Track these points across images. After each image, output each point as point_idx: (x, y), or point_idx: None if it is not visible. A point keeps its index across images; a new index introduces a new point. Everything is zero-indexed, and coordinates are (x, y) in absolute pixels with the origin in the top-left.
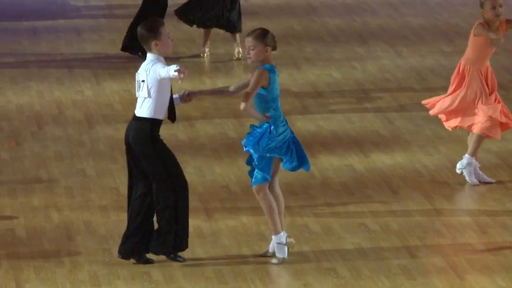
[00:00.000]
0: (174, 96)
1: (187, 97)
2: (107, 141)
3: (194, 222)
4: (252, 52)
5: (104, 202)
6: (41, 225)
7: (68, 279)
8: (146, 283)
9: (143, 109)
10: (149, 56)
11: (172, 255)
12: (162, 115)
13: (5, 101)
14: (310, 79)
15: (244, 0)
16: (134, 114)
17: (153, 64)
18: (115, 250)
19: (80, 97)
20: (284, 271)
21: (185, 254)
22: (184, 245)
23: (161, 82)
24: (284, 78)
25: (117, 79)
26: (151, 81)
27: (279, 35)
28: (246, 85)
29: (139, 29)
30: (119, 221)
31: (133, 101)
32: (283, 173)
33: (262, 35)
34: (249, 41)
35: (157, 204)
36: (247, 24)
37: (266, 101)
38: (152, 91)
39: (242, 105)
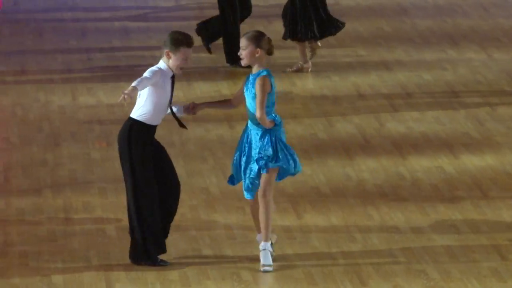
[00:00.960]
0: (174, 106)
1: (192, 109)
2: (197, 141)
3: (284, 223)
4: (243, 52)
5: (194, 202)
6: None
7: (158, 279)
8: (236, 284)
9: (134, 109)
10: (160, 62)
11: (142, 262)
12: (151, 120)
13: (96, 101)
14: (400, 80)
15: (335, 2)
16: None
17: (150, 69)
18: (205, 250)
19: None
20: (374, 272)
21: (275, 253)
22: (152, 251)
23: (152, 87)
24: (373, 79)
25: (207, 79)
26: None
27: (369, 36)
28: (242, 93)
29: (173, 32)
30: (209, 221)
31: None
32: (373, 173)
33: (256, 36)
34: (242, 41)
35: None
36: None
37: (266, 107)
38: (142, 93)
39: (258, 114)
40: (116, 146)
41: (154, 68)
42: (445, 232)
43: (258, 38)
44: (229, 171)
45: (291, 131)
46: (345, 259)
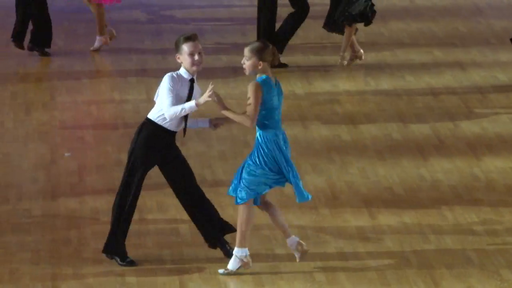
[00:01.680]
0: (203, 119)
1: (215, 124)
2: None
3: (358, 223)
4: (246, 63)
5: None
6: None
7: (231, 279)
8: (309, 284)
9: (152, 109)
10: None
11: (109, 256)
12: (164, 123)
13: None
14: (475, 80)
15: (410, 1)
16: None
17: (170, 74)
18: (278, 250)
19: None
20: (447, 273)
21: (349, 253)
22: (108, 248)
23: None
24: (448, 80)
25: (283, 80)
26: (160, 88)
27: (444, 36)
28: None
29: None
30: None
31: (297, 101)
32: (447, 174)
33: (259, 49)
34: (245, 51)
35: None
36: (412, 26)
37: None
38: (157, 97)
39: (249, 123)
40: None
41: (172, 76)
42: None
43: (261, 51)
44: (303, 172)
45: (365, 131)
46: (418, 260)
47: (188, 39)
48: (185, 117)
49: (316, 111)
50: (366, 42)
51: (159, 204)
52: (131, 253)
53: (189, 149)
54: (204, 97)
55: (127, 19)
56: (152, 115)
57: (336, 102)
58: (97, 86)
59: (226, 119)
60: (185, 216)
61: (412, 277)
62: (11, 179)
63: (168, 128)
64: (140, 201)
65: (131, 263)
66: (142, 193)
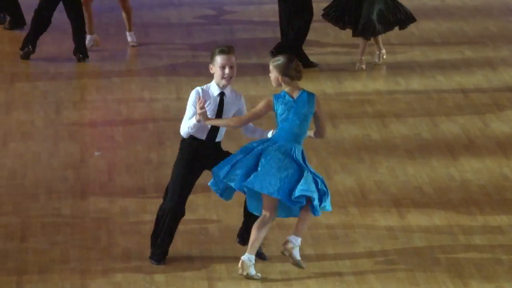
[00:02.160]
0: (260, 130)
1: None
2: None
3: (387, 223)
4: (270, 75)
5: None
6: (234, 224)
7: (260, 279)
8: (338, 283)
9: None
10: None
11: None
12: (197, 134)
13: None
14: (506, 80)
15: (440, 0)
16: None
17: (196, 90)
18: (307, 249)
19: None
20: (477, 273)
21: (378, 252)
22: (154, 256)
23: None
24: (479, 79)
25: (312, 79)
26: None
27: (475, 36)
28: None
29: None
30: (312, 220)
31: (327, 101)
32: (477, 174)
33: (282, 65)
34: (270, 65)
35: None
36: (443, 25)
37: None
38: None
39: (233, 123)
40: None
41: (199, 90)
42: None
43: (284, 67)
44: (332, 172)
45: (395, 130)
46: (448, 260)
47: (222, 52)
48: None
49: (346, 111)
50: (397, 42)
51: (188, 204)
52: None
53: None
54: (197, 117)
55: (157, 18)
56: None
57: (366, 101)
58: (127, 85)
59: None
60: (214, 215)
61: (441, 277)
62: (41, 178)
63: (198, 137)
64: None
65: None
66: None
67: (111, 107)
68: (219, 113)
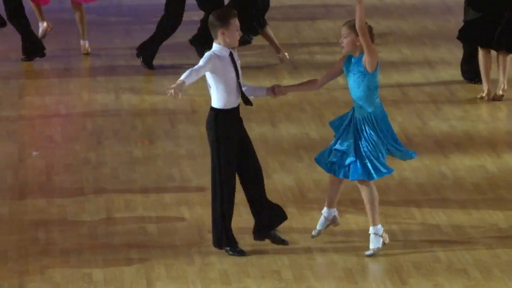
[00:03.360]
0: (260, 87)
1: (275, 91)
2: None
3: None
4: (345, 41)
5: (236, 200)
6: (173, 223)
7: (198, 277)
8: (276, 282)
9: (212, 99)
10: (214, 45)
11: (223, 248)
12: (229, 103)
13: (139, 99)
14: (444, 78)
15: (379, 0)
16: None
17: (204, 55)
18: (244, 248)
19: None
20: (415, 271)
21: (317, 251)
22: (219, 241)
23: (213, 74)
24: (417, 78)
25: (251, 79)
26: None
27: (413, 35)
28: (332, 76)
29: (210, 16)
30: (251, 219)
31: (266, 100)
32: (415, 172)
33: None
34: (344, 29)
35: None
36: (381, 24)
37: (369, 89)
38: (209, 82)
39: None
40: (204, 136)
41: (207, 54)
42: (487, 231)
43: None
44: (271, 171)
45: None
46: (386, 258)
47: (236, 14)
48: (240, 88)
49: (285, 110)
50: (336, 41)
51: (127, 203)
52: (98, 252)
53: (157, 148)
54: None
55: (96, 18)
56: (214, 103)
57: (305, 101)
58: (66, 85)
59: (288, 88)
60: (152, 214)
61: (379, 275)
62: None
63: (231, 107)
64: (107, 200)
65: (241, 252)
66: (110, 192)
67: (50, 107)
68: (237, 73)
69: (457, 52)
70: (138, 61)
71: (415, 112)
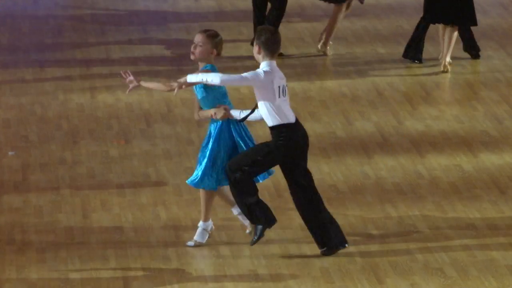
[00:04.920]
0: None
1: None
2: None
3: (301, 222)
4: (198, 49)
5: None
6: (149, 223)
7: (175, 277)
8: (253, 282)
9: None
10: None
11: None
12: (288, 116)
13: (115, 99)
14: (419, 78)
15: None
16: (297, 119)
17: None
18: (222, 250)
19: (189, 95)
20: (391, 270)
21: (294, 251)
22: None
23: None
24: (392, 77)
25: None
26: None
27: (388, 34)
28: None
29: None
30: (228, 218)
31: (242, 100)
32: (391, 172)
33: (214, 36)
34: (199, 37)
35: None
36: (356, 24)
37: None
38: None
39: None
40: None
41: (261, 70)
42: (463, 230)
43: (215, 38)
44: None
45: (309, 129)
46: (362, 257)
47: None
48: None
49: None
50: (311, 40)
51: (103, 203)
52: (75, 251)
53: (134, 147)
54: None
55: (71, 17)
56: (270, 122)
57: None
58: (41, 85)
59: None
60: (129, 215)
61: (356, 275)
62: None
63: (290, 122)
64: (84, 200)
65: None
66: (86, 191)
67: (25, 106)
68: None
69: (432, 51)
70: (112, 60)
71: (391, 112)
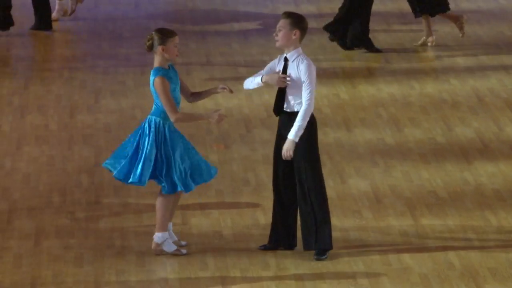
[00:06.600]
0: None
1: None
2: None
3: (401, 227)
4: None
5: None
6: (248, 227)
7: (273, 282)
8: (352, 287)
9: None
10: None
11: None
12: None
13: (214, 103)
14: None
15: (455, 5)
16: None
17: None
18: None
19: None
20: (491, 277)
21: (392, 259)
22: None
23: None
24: (493, 83)
25: (326, 83)
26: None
27: (489, 40)
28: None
29: None
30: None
31: (341, 105)
32: (491, 178)
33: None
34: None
35: None
36: (457, 29)
37: None
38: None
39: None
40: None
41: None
42: None
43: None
44: (346, 176)
45: (409, 134)
46: (462, 264)
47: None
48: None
49: (360, 115)
50: (411, 46)
51: (202, 207)
52: (174, 257)
53: (233, 152)
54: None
55: (173, 20)
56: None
57: (380, 105)
58: (142, 90)
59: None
60: (227, 219)
61: (455, 281)
62: (55, 182)
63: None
64: (182, 205)
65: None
66: (185, 196)
67: (126, 111)
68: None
69: None
70: (215, 65)
71: (491, 118)
